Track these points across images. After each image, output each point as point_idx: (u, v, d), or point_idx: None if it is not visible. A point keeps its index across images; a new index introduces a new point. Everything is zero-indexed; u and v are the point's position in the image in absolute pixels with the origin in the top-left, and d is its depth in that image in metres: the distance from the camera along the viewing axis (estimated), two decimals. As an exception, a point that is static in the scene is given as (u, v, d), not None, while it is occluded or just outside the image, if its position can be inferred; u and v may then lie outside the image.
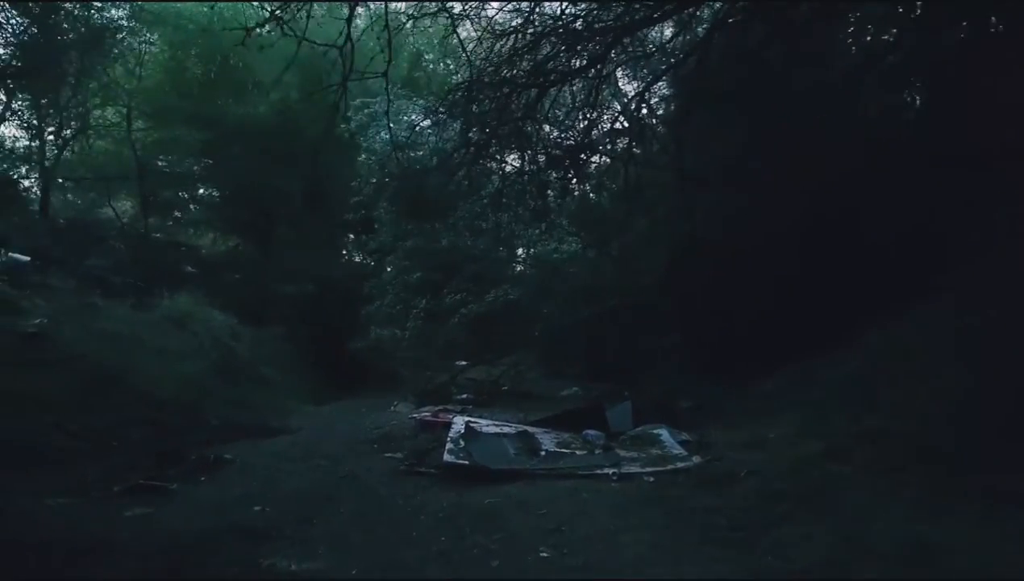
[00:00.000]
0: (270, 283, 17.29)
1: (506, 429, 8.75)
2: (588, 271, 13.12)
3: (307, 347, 16.63)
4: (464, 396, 13.47)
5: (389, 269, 14.48)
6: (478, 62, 9.49)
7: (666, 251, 11.56)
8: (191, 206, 21.14)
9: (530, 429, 8.78)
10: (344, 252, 20.14)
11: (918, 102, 11.22)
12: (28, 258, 12.96)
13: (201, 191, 21.42)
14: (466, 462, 7.11)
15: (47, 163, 17.30)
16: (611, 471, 6.91)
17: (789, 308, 9.76)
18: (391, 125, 12.15)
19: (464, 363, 15.80)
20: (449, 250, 13.89)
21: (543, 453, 7.67)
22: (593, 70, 9.45)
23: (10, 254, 12.75)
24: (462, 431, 8.23)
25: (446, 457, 7.24)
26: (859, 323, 8.76)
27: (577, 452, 7.81)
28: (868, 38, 11.00)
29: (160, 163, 19.20)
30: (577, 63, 9.27)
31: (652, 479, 6.68)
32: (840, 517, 4.90)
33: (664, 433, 8.39)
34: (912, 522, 4.64)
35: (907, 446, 6.07)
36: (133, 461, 7.32)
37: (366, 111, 13.67)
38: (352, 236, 20.07)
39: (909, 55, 9.99)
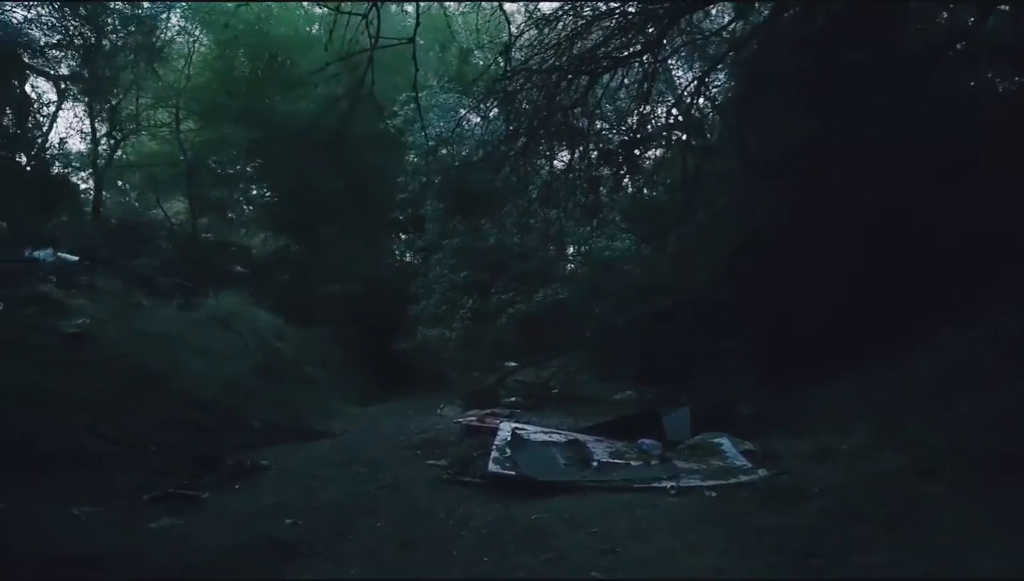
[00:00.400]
0: (316, 282, 17.20)
1: (555, 437, 8.34)
2: (642, 268, 12.62)
3: (354, 347, 16.49)
4: (512, 399, 13.12)
5: (438, 268, 14.16)
6: (526, 49, 9.15)
7: (725, 246, 11.00)
8: (243, 206, 21.25)
9: (581, 437, 8.34)
10: (393, 250, 19.95)
11: (999, 87, 10.48)
12: (77, 258, 13.06)
13: (253, 191, 21.52)
14: (512, 472, 6.76)
15: (99, 163, 17.52)
16: (669, 484, 6.47)
17: (857, 306, 9.17)
18: (436, 120, 11.97)
19: (512, 364, 15.46)
20: (496, 248, 13.53)
21: (595, 464, 7.24)
22: (647, 56, 9.00)
23: (59, 254, 12.84)
24: (508, 438, 7.86)
25: (491, 467, 6.89)
26: (932, 323, 8.17)
27: (632, 463, 7.36)
28: (945, 15, 10.30)
29: (211, 164, 19.30)
30: (630, 49, 8.82)
31: (714, 494, 6.22)
32: (931, 544, 4.41)
33: (725, 442, 7.90)
34: (1014, 552, 4.11)
35: (1001, 462, 5.50)
36: (168, 466, 7.15)
37: (411, 106, 13.39)
38: (400, 235, 19.95)
39: (990, 36, 9.30)
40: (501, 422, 9.04)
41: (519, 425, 8.74)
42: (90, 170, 17.71)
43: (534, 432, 8.44)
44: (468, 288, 13.58)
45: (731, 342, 10.96)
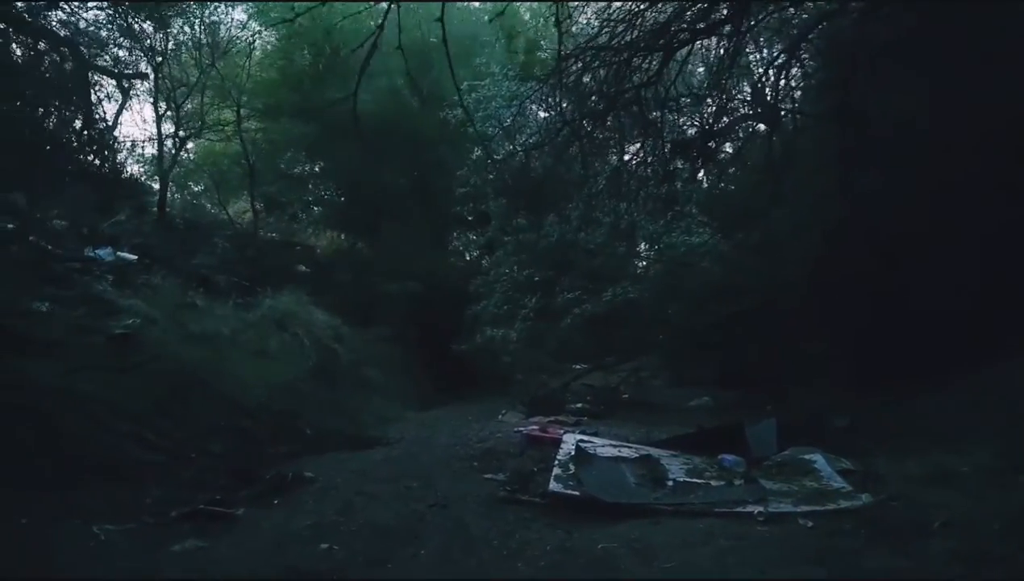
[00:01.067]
0: (377, 282, 16.86)
1: (625, 451, 7.60)
2: (721, 266, 11.70)
3: (414, 349, 16.07)
4: (578, 405, 12.43)
5: (500, 266, 13.50)
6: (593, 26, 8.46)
7: (817, 241, 10.03)
8: (307, 205, 21.10)
9: (654, 452, 7.58)
10: (456, 248, 19.46)
11: None
12: (136, 257, 12.99)
13: (318, 190, 21.40)
14: (576, 493, 6.08)
15: (164, 163, 17.63)
16: (756, 510, 5.68)
17: (969, 305, 8.14)
18: (499, 110, 11.40)
19: (579, 367, 14.74)
20: (562, 244, 12.82)
21: (670, 483, 6.49)
22: (728, 27, 8.17)
23: (119, 253, 12.80)
24: (572, 452, 7.19)
25: (552, 485, 6.24)
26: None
27: (712, 483, 6.59)
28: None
29: (274, 162, 19.25)
30: (712, 18, 8.01)
31: (810, 523, 5.40)
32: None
33: (819, 460, 7.06)
34: None
35: None
36: (206, 478, 6.77)
37: (473, 95, 12.85)
38: (463, 234, 19.49)
39: None
40: (565, 432, 8.37)
41: (584, 437, 8.04)
42: (155, 171, 17.84)
43: (601, 445, 7.73)
44: (532, 286, 12.90)
45: (822, 346, 10.00)
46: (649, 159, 10.82)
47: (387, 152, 17.13)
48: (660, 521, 5.57)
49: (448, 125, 15.90)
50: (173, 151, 17.98)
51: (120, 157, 16.63)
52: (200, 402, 8.86)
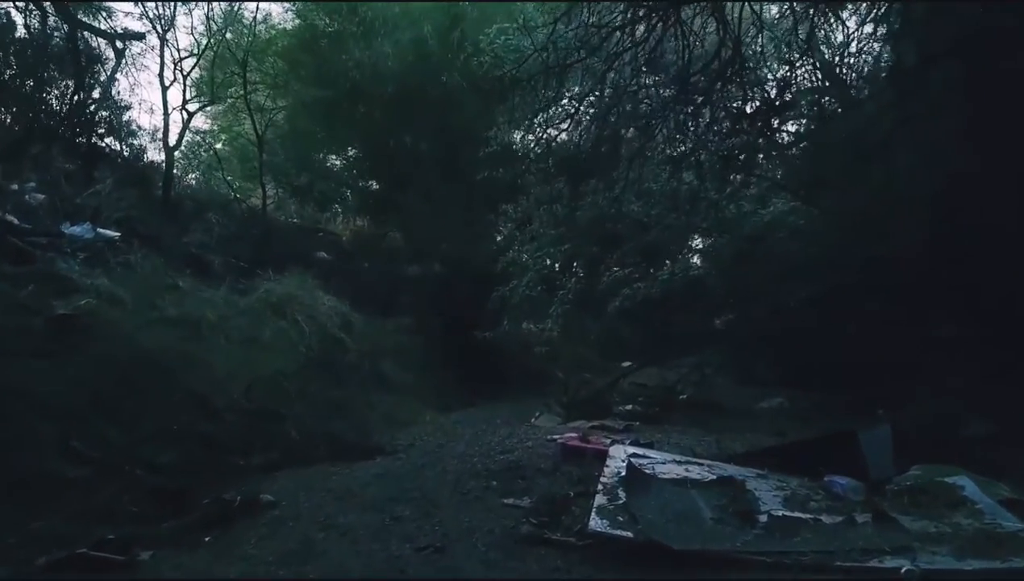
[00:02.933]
0: (396, 265, 15.27)
1: (694, 471, 5.70)
2: (805, 238, 9.71)
3: (438, 340, 14.34)
4: (628, 407, 10.61)
5: (534, 241, 11.44)
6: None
7: (933, 204, 8.01)
8: (326, 180, 19.53)
9: (734, 471, 5.70)
10: (488, 226, 17.48)
11: None
12: (117, 234, 11.57)
13: (334, 163, 19.86)
14: (628, 533, 4.29)
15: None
16: (902, 566, 3.86)
17: None
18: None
19: (629, 364, 12.89)
20: (609, 216, 10.90)
21: (763, 519, 4.64)
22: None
23: (99, 230, 11.39)
24: (623, 472, 5.38)
25: (594, 521, 4.47)
26: None
27: (824, 518, 4.72)
28: None
29: (287, 134, 17.78)
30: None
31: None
32: None
33: (967, 485, 5.22)
34: None
35: None
36: (125, 502, 5.14)
37: (502, 40, 10.99)
38: (492, 207, 17.60)
39: None
40: (612, 443, 6.57)
41: (638, 449, 6.19)
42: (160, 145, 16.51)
43: (661, 462, 5.86)
44: (571, 264, 11.00)
45: (944, 333, 8.00)
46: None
47: (411, 117, 15.61)
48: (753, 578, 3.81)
49: (479, 88, 14.19)
50: (181, 126, 16.68)
51: (116, 127, 15.08)
52: (157, 399, 7.31)
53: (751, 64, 8.67)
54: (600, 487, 5.03)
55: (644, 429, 9.27)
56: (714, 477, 5.32)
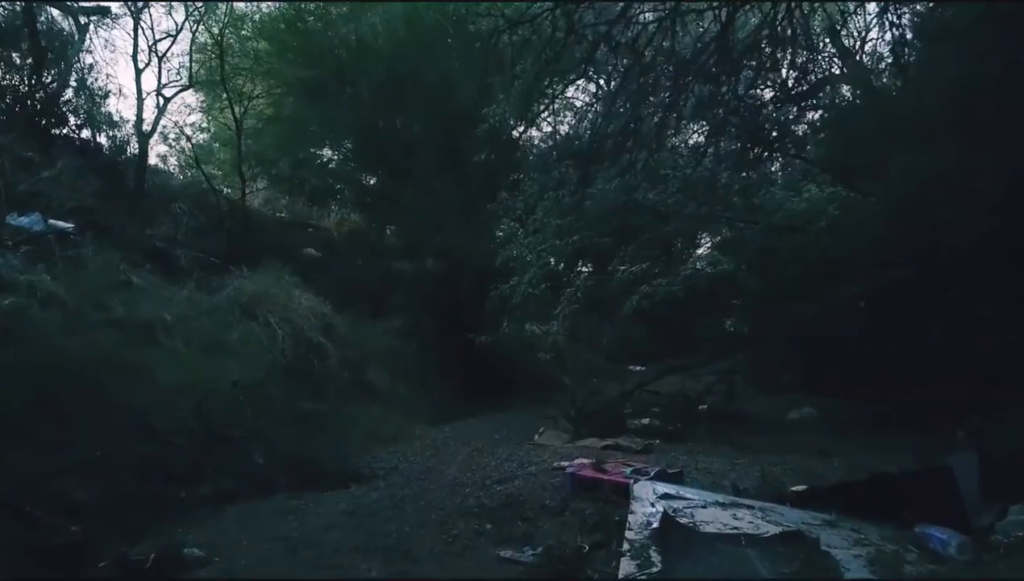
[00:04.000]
0: (385, 260, 14.12)
1: (744, 517, 4.45)
2: (849, 228, 8.51)
3: (432, 344, 13.15)
4: (645, 422, 9.43)
5: (537, 233, 10.06)
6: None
7: (1008, 187, 6.82)
8: (314, 165, 18.32)
9: (795, 518, 4.48)
10: (488, 218, 16.11)
11: None
12: (71, 225, 10.44)
13: (324, 154, 18.69)
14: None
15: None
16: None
17: None
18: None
19: (641, 368, 11.73)
20: (622, 205, 9.65)
21: (849, 593, 3.47)
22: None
23: (50, 221, 10.26)
24: (653, 520, 4.19)
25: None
26: None
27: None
28: None
29: (268, 119, 16.62)
30: None
31: None
32: None
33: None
34: None
35: None
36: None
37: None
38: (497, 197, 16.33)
39: None
40: (636, 478, 5.38)
41: (668, 487, 4.98)
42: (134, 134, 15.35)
43: (700, 504, 4.62)
44: (580, 259, 9.78)
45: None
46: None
47: (403, 98, 14.50)
48: None
49: (477, 63, 13.01)
50: (156, 112, 15.54)
51: (79, 110, 13.91)
52: (84, 416, 6.16)
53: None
54: (626, 546, 3.85)
55: (665, 449, 8.12)
56: (774, 529, 4.12)
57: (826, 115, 9.56)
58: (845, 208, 8.85)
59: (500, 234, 11.00)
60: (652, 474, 5.54)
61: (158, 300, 9.33)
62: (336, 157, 17.63)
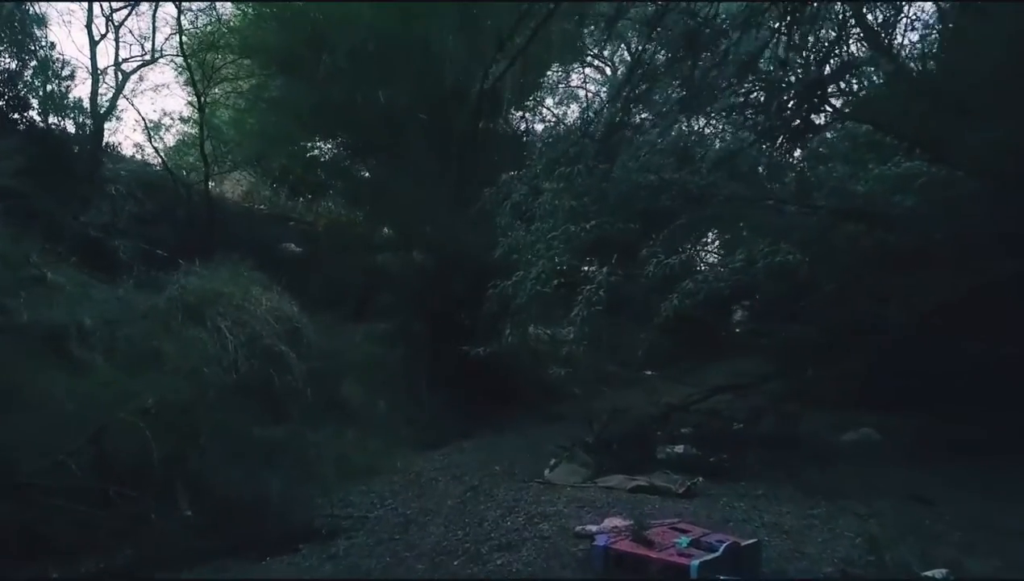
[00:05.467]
0: (371, 255, 12.54)
1: None
2: (944, 211, 6.88)
3: (422, 352, 11.48)
4: (678, 449, 7.78)
5: (548, 218, 8.23)
6: None
7: None
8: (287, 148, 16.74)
9: None
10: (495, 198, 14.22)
11: None
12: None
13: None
14: None
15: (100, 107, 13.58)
16: None
17: None
18: None
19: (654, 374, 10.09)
20: (650, 184, 7.94)
21: None
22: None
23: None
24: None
25: None
26: None
27: None
28: None
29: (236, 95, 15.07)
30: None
31: None
32: None
33: None
34: None
35: None
36: None
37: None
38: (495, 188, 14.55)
39: None
40: (698, 558, 3.76)
41: None
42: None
43: None
44: (598, 250, 8.00)
45: None
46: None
47: (388, 69, 12.88)
48: None
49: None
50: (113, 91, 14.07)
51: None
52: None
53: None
54: None
55: (713, 491, 6.48)
56: None
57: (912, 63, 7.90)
58: (929, 187, 7.21)
59: (502, 219, 9.23)
60: (721, 550, 3.91)
61: (78, 301, 7.75)
62: (315, 138, 15.97)
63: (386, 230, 14.93)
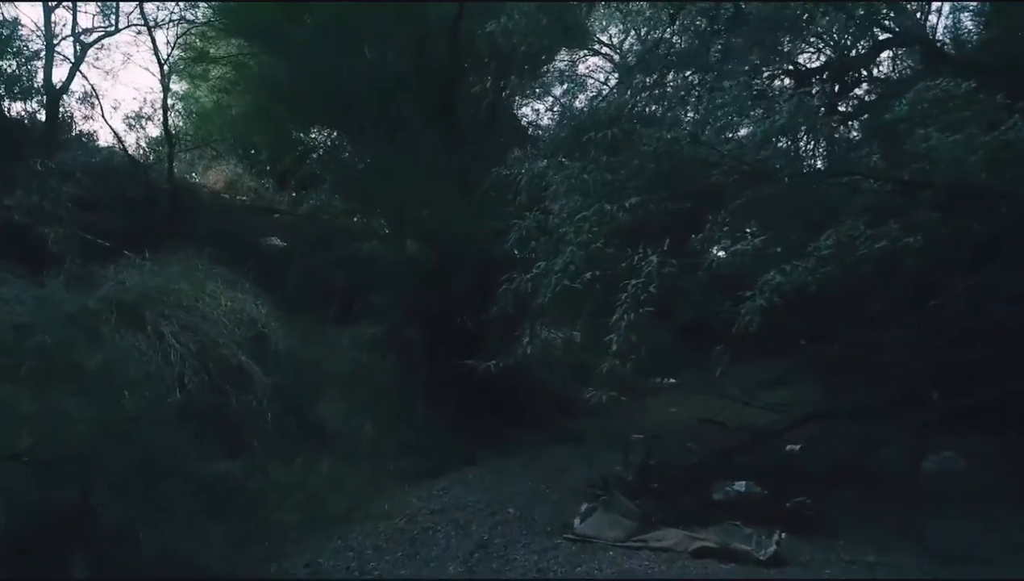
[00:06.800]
0: (357, 246, 11.45)
1: None
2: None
3: (417, 362, 10.01)
4: (740, 488, 6.25)
5: (575, 195, 6.60)
6: None
7: None
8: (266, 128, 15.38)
9: None
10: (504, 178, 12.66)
11: None
12: None
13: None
14: None
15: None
16: None
17: None
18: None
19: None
20: (703, 155, 6.35)
21: None
22: None
23: None
24: None
25: None
26: None
27: None
28: None
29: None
30: None
31: None
32: None
33: None
34: None
35: None
36: None
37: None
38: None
39: None
40: None
41: None
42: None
43: None
44: (639, 236, 6.40)
45: None
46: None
47: (378, 37, 11.57)
48: None
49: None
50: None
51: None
52: None
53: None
54: None
55: (806, 553, 4.99)
56: None
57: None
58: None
59: (520, 195, 7.64)
60: None
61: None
62: (296, 115, 14.63)
63: (377, 218, 13.62)
